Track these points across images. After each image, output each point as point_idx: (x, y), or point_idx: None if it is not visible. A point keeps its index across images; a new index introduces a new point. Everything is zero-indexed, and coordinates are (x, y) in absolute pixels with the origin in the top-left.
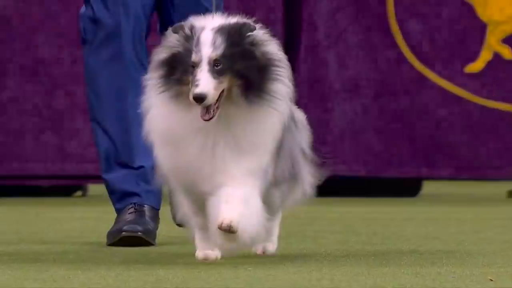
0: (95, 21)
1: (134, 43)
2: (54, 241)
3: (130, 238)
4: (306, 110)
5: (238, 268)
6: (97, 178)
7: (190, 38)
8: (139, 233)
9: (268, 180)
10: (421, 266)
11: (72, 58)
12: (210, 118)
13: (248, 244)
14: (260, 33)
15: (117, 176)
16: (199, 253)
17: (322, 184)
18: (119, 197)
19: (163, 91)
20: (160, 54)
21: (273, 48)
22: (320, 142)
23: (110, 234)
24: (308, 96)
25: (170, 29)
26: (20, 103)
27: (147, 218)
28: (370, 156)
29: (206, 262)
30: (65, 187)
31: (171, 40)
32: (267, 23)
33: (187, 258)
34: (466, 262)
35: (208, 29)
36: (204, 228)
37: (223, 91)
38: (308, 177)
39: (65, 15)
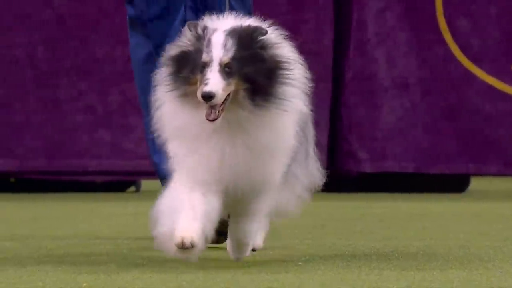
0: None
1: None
2: (108, 236)
3: None
4: (356, 107)
5: (288, 263)
6: (150, 174)
7: (201, 38)
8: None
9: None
10: (469, 261)
11: (125, 56)
12: (215, 119)
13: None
14: (272, 36)
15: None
16: (178, 235)
17: (371, 180)
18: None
19: (170, 90)
20: (171, 51)
21: (284, 50)
22: (369, 139)
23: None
24: (357, 93)
25: (186, 27)
26: (75, 100)
27: None
28: (419, 152)
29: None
30: (118, 182)
31: (182, 39)
32: (317, 22)
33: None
34: None
35: (220, 31)
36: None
37: (229, 93)
38: (307, 178)
39: (118, 14)
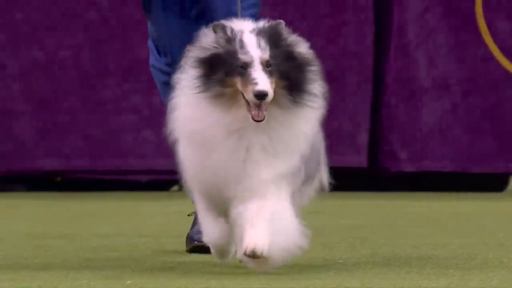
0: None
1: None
2: (151, 234)
3: (202, 248)
4: (396, 107)
5: (328, 261)
6: None
7: (232, 40)
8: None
9: (299, 181)
10: (508, 260)
11: None
12: (263, 118)
13: (281, 262)
14: (290, 34)
15: None
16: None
17: (411, 179)
18: None
19: (202, 91)
20: (197, 53)
21: (305, 48)
22: (409, 139)
23: (187, 239)
24: (398, 94)
25: (209, 28)
26: (120, 101)
27: None
28: (458, 152)
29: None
30: (162, 181)
31: (208, 41)
32: (358, 23)
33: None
34: None
35: (247, 31)
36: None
37: None
38: (319, 179)
39: None
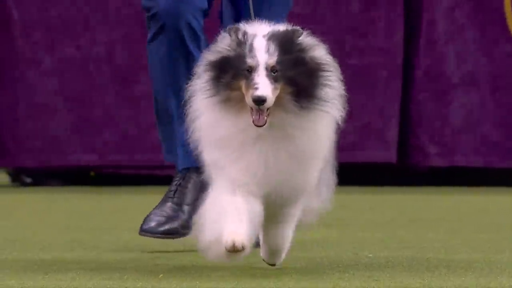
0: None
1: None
2: None
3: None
4: (426, 103)
5: (358, 255)
6: None
7: (243, 44)
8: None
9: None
10: None
11: None
12: (264, 124)
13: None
14: (308, 38)
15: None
16: (229, 238)
17: (440, 174)
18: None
19: (211, 95)
20: (210, 56)
21: (321, 52)
22: (439, 134)
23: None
24: (427, 89)
25: (223, 32)
26: (152, 97)
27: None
28: (487, 147)
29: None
30: None
31: (222, 44)
32: (388, 19)
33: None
34: None
35: (260, 35)
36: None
37: None
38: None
39: None
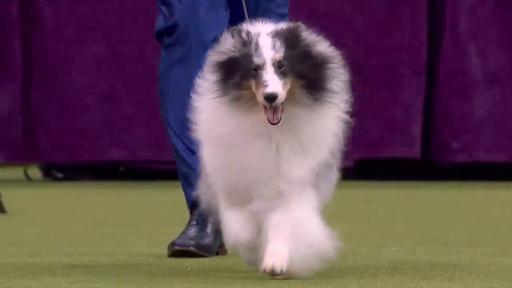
0: (167, 23)
1: (203, 46)
2: None
3: (182, 252)
4: (449, 100)
5: (383, 249)
6: None
7: (248, 43)
8: (191, 248)
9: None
10: None
11: None
12: (278, 121)
13: (309, 270)
14: (311, 34)
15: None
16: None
17: (463, 169)
18: (188, 199)
19: (220, 95)
20: (216, 57)
21: (325, 46)
22: (462, 130)
23: (168, 246)
24: (450, 87)
25: (226, 33)
26: None
27: (208, 231)
28: (509, 143)
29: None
30: None
31: (226, 45)
32: (412, 18)
33: None
34: None
35: (264, 34)
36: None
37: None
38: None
39: None
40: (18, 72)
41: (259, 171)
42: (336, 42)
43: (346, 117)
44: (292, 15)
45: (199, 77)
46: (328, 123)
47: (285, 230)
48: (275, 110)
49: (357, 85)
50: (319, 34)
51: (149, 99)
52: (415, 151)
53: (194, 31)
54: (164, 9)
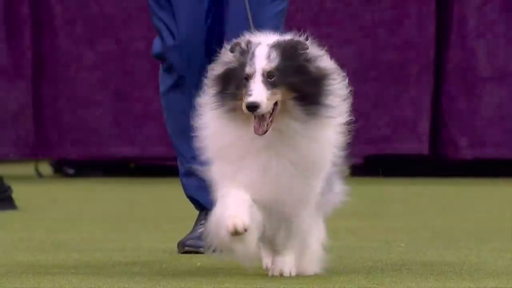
0: (162, 50)
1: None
2: None
3: (192, 253)
4: (456, 97)
5: (391, 244)
6: None
7: (246, 53)
8: (201, 248)
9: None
10: None
11: None
12: (264, 132)
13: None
14: (313, 49)
15: (191, 184)
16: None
17: (471, 166)
18: (194, 203)
19: (217, 107)
20: (215, 71)
21: (326, 62)
22: (469, 127)
23: (178, 245)
24: (458, 84)
25: (226, 47)
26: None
27: None
28: None
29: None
30: None
31: (227, 57)
32: (420, 15)
33: None
34: None
35: (263, 44)
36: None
37: (276, 104)
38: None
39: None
40: (29, 69)
41: (260, 185)
42: (345, 39)
43: (344, 131)
44: (302, 13)
45: (198, 97)
46: (327, 137)
47: (293, 242)
48: (262, 120)
49: (365, 82)
50: (323, 48)
51: (159, 95)
52: (423, 148)
53: (186, 67)
54: (160, 33)
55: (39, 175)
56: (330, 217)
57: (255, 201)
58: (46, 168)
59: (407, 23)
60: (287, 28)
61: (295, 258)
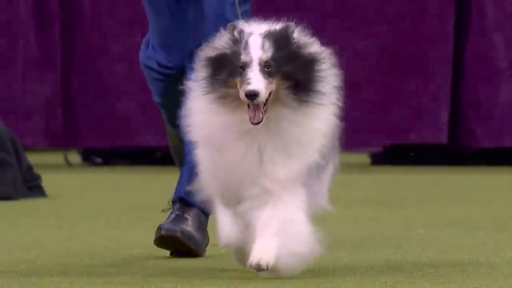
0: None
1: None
2: None
3: (168, 238)
4: (475, 87)
5: (410, 231)
6: None
7: (238, 42)
8: (178, 233)
9: (318, 175)
10: None
11: None
12: (259, 122)
13: (294, 269)
14: (302, 35)
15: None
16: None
17: (489, 155)
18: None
19: (208, 92)
20: (208, 52)
21: (316, 47)
22: (488, 117)
23: (157, 229)
24: (477, 74)
25: (224, 29)
26: None
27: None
28: None
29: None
30: None
31: (220, 41)
32: (440, 8)
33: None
34: None
35: (256, 34)
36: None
37: (270, 94)
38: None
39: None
40: (59, 60)
41: (243, 171)
42: (369, 31)
43: (336, 117)
44: (324, 5)
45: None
46: (315, 124)
47: (273, 228)
48: (257, 109)
49: (387, 74)
50: (313, 35)
51: None
52: (442, 137)
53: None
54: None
55: (68, 164)
56: (350, 206)
57: (237, 187)
58: (74, 157)
59: (427, 16)
60: (303, 20)
61: (275, 246)
